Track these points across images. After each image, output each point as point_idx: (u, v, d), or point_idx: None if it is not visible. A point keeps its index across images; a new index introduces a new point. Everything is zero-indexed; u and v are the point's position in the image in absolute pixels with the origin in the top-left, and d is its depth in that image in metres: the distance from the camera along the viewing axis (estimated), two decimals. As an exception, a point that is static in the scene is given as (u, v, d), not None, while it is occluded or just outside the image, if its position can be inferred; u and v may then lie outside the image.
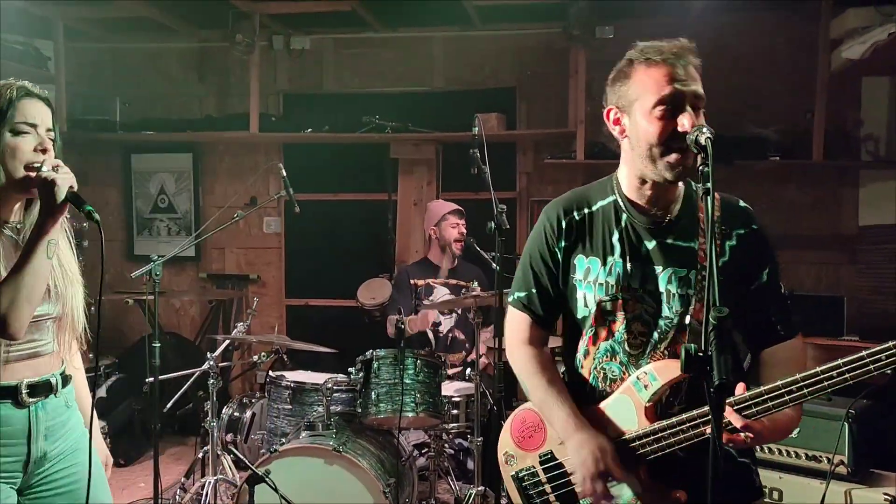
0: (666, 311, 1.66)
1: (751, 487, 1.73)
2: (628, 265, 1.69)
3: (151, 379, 3.26)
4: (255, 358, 3.81)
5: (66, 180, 1.74)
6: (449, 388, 3.57)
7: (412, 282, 4.36)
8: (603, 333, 1.73)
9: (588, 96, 5.10)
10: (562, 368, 1.89)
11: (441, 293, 4.27)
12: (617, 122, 1.68)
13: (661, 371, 1.62)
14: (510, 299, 1.89)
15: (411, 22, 5.44)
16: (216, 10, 5.09)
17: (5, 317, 1.68)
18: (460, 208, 4.46)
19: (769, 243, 1.69)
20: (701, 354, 1.16)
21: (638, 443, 1.63)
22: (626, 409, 1.66)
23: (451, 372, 3.80)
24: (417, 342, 4.13)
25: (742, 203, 1.72)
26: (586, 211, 1.76)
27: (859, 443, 2.90)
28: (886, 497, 2.82)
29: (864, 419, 2.94)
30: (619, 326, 1.70)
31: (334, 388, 3.41)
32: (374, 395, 3.25)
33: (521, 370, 1.85)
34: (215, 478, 3.46)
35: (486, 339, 3.83)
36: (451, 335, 4.26)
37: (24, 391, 1.79)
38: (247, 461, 3.01)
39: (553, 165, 5.24)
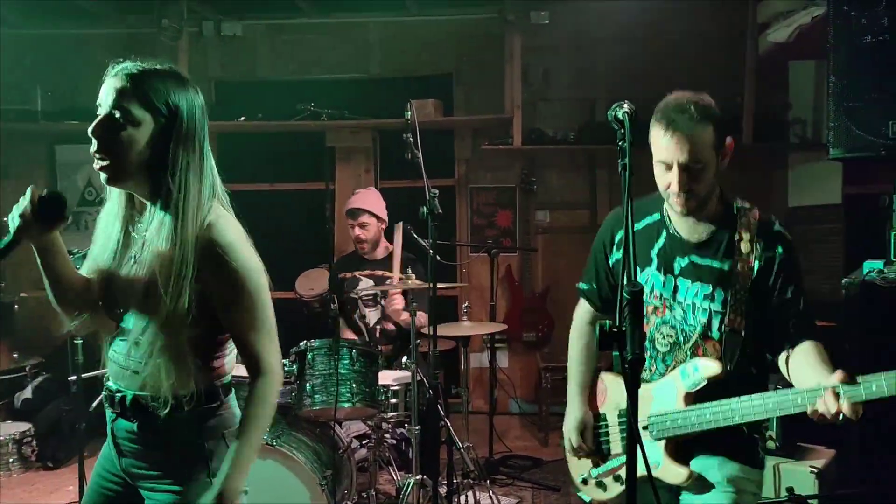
0: (691, 320, 1.90)
1: (754, 457, 1.91)
2: (662, 277, 1.93)
3: (75, 377, 3.14)
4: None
5: None
6: (387, 377, 3.52)
7: (339, 276, 4.30)
8: None
9: (524, 81, 5.10)
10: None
11: (366, 285, 4.21)
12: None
13: (704, 367, 1.85)
14: (578, 285, 2.20)
15: (346, 7, 5.36)
16: (142, -5, 4.93)
17: None
18: (360, 207, 4.22)
19: (798, 266, 1.88)
20: (616, 330, 1.17)
21: (667, 418, 1.87)
22: (670, 391, 1.90)
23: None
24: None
25: (777, 226, 1.90)
26: (636, 227, 1.97)
27: (786, 418, 2.95)
28: (812, 469, 2.89)
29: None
30: (651, 328, 1.96)
31: (268, 380, 3.32)
32: (308, 387, 3.18)
33: (571, 335, 2.23)
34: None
35: (420, 324, 3.79)
36: (378, 327, 4.21)
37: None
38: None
39: (491, 151, 5.23)
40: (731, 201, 1.92)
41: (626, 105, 1.53)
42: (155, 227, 1.59)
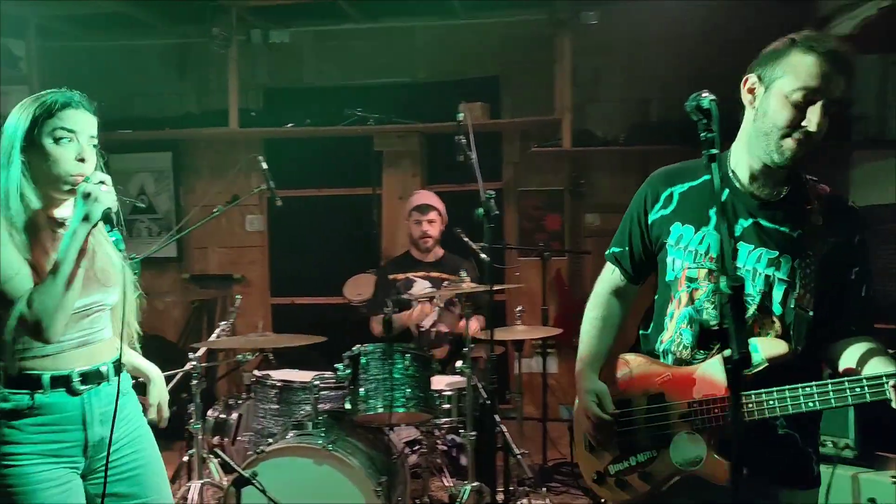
0: (749, 289, 1.69)
1: (808, 475, 1.74)
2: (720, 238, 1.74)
3: (134, 381, 3.15)
4: (240, 357, 3.69)
5: (105, 200, 1.78)
6: (440, 383, 3.47)
7: (391, 277, 4.26)
8: (685, 299, 1.79)
9: (574, 83, 5.02)
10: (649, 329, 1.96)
11: (421, 286, 4.17)
12: (751, 91, 1.71)
13: (765, 346, 1.64)
14: (608, 251, 2.02)
15: (393, 13, 5.34)
16: (194, 5, 4.98)
17: (39, 322, 1.74)
18: (429, 203, 4.25)
19: (867, 249, 1.73)
20: (717, 328, 1.08)
21: (716, 406, 1.68)
22: (717, 374, 1.70)
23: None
24: (401, 339, 4.02)
25: (851, 201, 1.75)
26: (689, 184, 1.82)
27: (865, 426, 2.83)
28: (894, 479, 2.76)
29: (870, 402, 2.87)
30: (701, 295, 1.75)
31: (322, 385, 3.30)
32: (362, 392, 3.13)
33: (589, 303, 2.03)
34: (201, 482, 3.35)
35: (475, 330, 3.73)
36: (433, 329, 4.16)
37: (76, 379, 1.86)
38: (233, 463, 2.89)
39: (540, 154, 5.15)
40: (800, 173, 1.76)
41: (707, 93, 1.46)
42: None
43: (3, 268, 1.74)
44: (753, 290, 1.69)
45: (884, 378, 1.50)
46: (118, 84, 5.64)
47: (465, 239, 4.08)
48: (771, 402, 1.61)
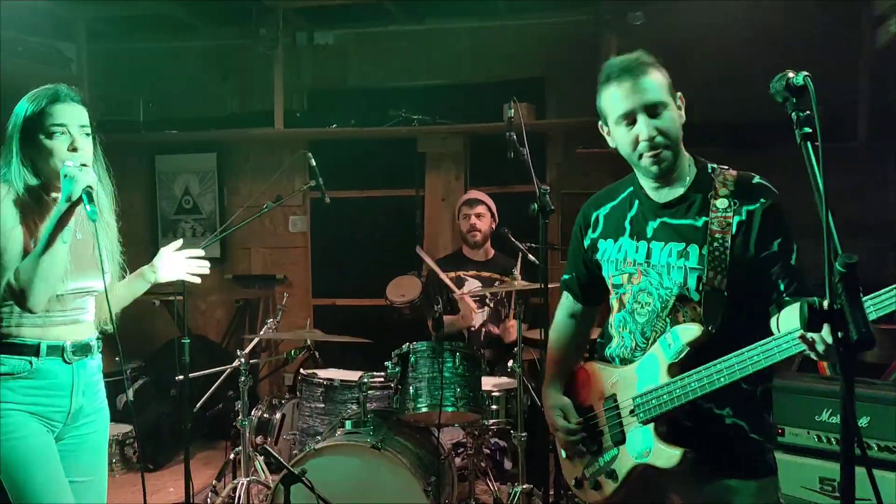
0: (666, 282, 1.81)
1: (759, 464, 1.79)
2: (634, 243, 1.88)
3: (181, 377, 3.16)
4: (285, 355, 3.68)
5: (84, 179, 1.95)
6: (487, 384, 3.43)
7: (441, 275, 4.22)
8: (617, 305, 1.95)
9: (620, 83, 4.95)
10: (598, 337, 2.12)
11: (472, 285, 4.14)
12: (608, 134, 1.90)
13: (683, 332, 1.75)
14: (561, 280, 2.18)
15: (437, 14, 5.32)
16: (239, 8, 5.02)
17: (23, 291, 1.93)
18: (476, 197, 4.30)
19: (783, 218, 1.77)
20: (827, 308, 1.03)
21: (652, 396, 1.79)
22: (653, 367, 1.81)
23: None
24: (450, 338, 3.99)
25: (757, 179, 1.81)
26: (610, 205, 1.99)
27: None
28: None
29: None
30: (628, 298, 1.90)
31: (370, 384, 3.28)
32: (412, 391, 3.11)
33: (550, 329, 2.20)
34: (248, 479, 3.34)
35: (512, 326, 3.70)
36: (483, 330, 4.12)
37: (69, 349, 2.09)
38: (282, 460, 2.88)
39: (584, 156, 5.08)
40: (705, 165, 1.87)
41: (793, 72, 1.46)
42: None
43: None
44: (670, 282, 1.80)
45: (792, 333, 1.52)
46: (164, 85, 5.71)
47: (513, 239, 4.04)
48: (693, 384, 1.70)
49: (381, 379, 3.32)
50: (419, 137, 5.34)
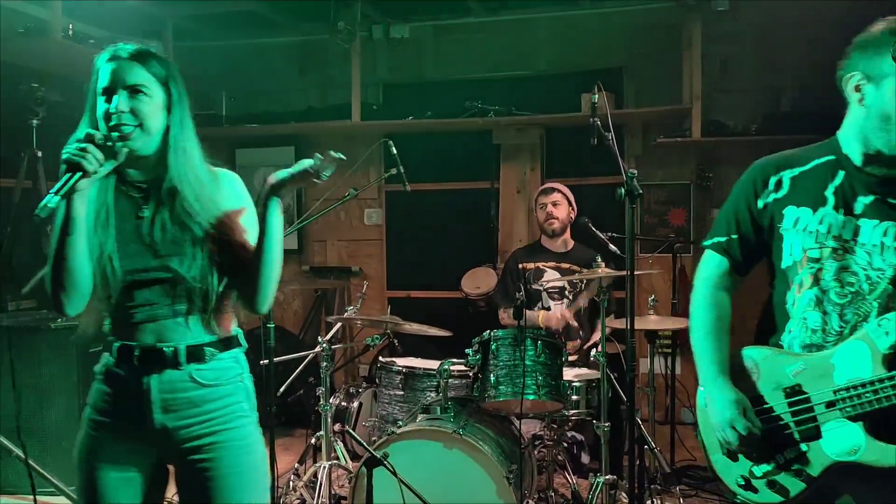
0: (878, 263, 1.68)
1: None
2: (840, 217, 1.73)
3: (266, 361, 3.22)
4: (369, 340, 3.72)
5: (83, 163, 1.57)
6: (568, 374, 3.38)
7: (520, 266, 4.19)
8: (808, 281, 1.77)
9: (703, 71, 4.83)
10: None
11: (551, 277, 4.09)
12: (858, 88, 1.71)
13: None
14: (707, 242, 1.95)
15: (514, 5, 5.30)
16: (318, 4, 5.09)
17: (52, 295, 1.65)
18: (552, 185, 4.26)
19: None
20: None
21: (866, 390, 1.63)
22: (860, 355, 1.65)
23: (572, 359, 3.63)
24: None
25: None
26: (799, 170, 1.81)
27: None
28: None
29: None
30: (826, 275, 1.73)
31: (450, 371, 3.27)
32: (493, 378, 3.09)
33: (695, 305, 1.94)
34: (329, 462, 3.38)
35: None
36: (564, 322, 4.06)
37: (136, 355, 1.70)
38: (364, 444, 2.90)
39: (664, 147, 4.98)
40: None
41: None
42: None
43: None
44: (884, 265, 1.67)
45: None
46: (245, 81, 5.85)
47: (593, 229, 3.98)
48: None
49: (461, 367, 3.31)
50: (494, 129, 5.32)
